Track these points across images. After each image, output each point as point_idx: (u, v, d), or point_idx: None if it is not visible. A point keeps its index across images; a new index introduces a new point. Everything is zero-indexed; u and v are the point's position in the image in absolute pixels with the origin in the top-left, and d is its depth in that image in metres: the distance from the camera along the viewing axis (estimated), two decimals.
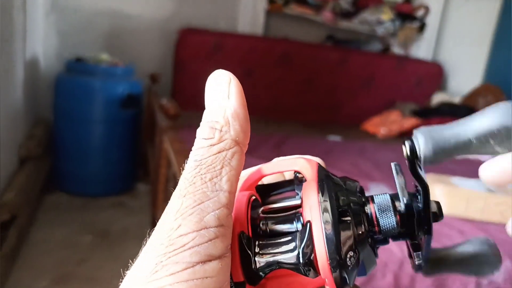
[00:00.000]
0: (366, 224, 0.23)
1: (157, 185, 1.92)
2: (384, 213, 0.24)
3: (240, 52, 2.93)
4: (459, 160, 2.36)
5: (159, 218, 0.23)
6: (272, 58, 3.02)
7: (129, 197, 2.60)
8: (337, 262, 0.22)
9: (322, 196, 0.23)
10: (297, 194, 0.26)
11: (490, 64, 3.26)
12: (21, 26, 2.23)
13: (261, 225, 0.25)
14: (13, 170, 2.14)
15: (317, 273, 0.22)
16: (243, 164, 0.24)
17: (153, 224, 0.25)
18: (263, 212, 0.26)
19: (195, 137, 0.24)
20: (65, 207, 2.38)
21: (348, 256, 0.22)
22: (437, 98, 3.37)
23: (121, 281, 0.23)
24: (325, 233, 0.22)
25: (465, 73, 3.47)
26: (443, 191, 1.50)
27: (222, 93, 0.24)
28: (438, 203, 0.24)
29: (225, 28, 3.13)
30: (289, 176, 0.28)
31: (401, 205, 0.24)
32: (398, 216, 0.24)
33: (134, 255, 0.25)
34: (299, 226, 0.24)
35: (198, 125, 0.25)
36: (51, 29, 2.78)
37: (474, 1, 3.42)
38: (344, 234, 0.22)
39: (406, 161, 0.23)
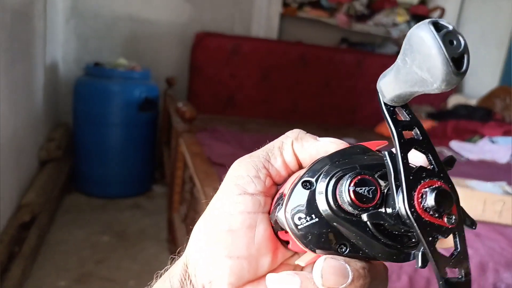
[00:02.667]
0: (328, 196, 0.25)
1: (173, 187, 1.95)
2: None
3: (257, 56, 2.96)
4: (475, 163, 2.34)
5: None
6: (289, 61, 3.04)
7: (146, 198, 2.64)
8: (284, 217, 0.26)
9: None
10: None
11: (508, 66, 3.22)
12: (41, 32, 2.29)
13: None
14: (34, 172, 2.19)
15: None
16: None
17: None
18: None
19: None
20: (84, 208, 2.42)
21: (297, 217, 0.25)
22: (453, 100, 3.34)
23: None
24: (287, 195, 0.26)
25: (481, 75, 3.43)
26: (459, 193, 1.49)
27: None
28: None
29: (240, 32, 3.16)
30: None
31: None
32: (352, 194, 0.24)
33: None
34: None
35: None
36: (71, 35, 2.84)
37: (491, 3, 3.39)
38: (295, 199, 0.26)
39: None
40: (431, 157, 0.25)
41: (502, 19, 3.27)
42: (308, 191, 0.25)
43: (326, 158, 0.26)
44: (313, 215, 0.25)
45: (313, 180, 0.26)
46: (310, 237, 0.25)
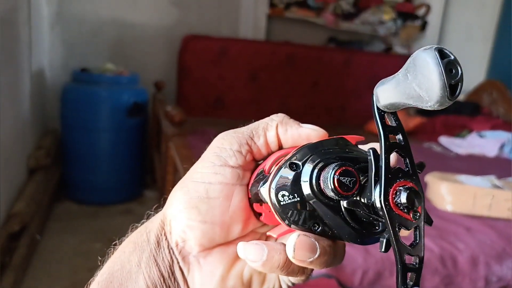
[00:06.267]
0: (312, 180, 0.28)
1: (164, 191, 1.94)
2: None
3: (245, 57, 2.95)
4: (465, 157, 2.36)
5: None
6: (277, 61, 3.04)
7: (138, 204, 2.62)
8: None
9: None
10: None
11: (494, 60, 3.26)
12: (26, 38, 2.27)
13: None
14: (23, 180, 2.17)
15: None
16: None
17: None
18: None
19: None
20: (75, 216, 2.40)
21: (281, 194, 0.28)
22: None
23: None
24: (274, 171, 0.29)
25: (468, 70, 3.46)
26: (449, 188, 1.50)
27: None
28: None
29: (227, 33, 3.16)
30: None
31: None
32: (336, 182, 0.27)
33: None
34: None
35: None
36: (57, 41, 2.81)
37: None
38: (281, 178, 0.29)
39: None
40: (408, 161, 0.28)
41: (487, 14, 3.31)
42: (294, 172, 0.28)
43: (311, 145, 0.30)
44: (295, 194, 0.28)
45: (300, 163, 0.28)
46: (289, 213, 0.28)
